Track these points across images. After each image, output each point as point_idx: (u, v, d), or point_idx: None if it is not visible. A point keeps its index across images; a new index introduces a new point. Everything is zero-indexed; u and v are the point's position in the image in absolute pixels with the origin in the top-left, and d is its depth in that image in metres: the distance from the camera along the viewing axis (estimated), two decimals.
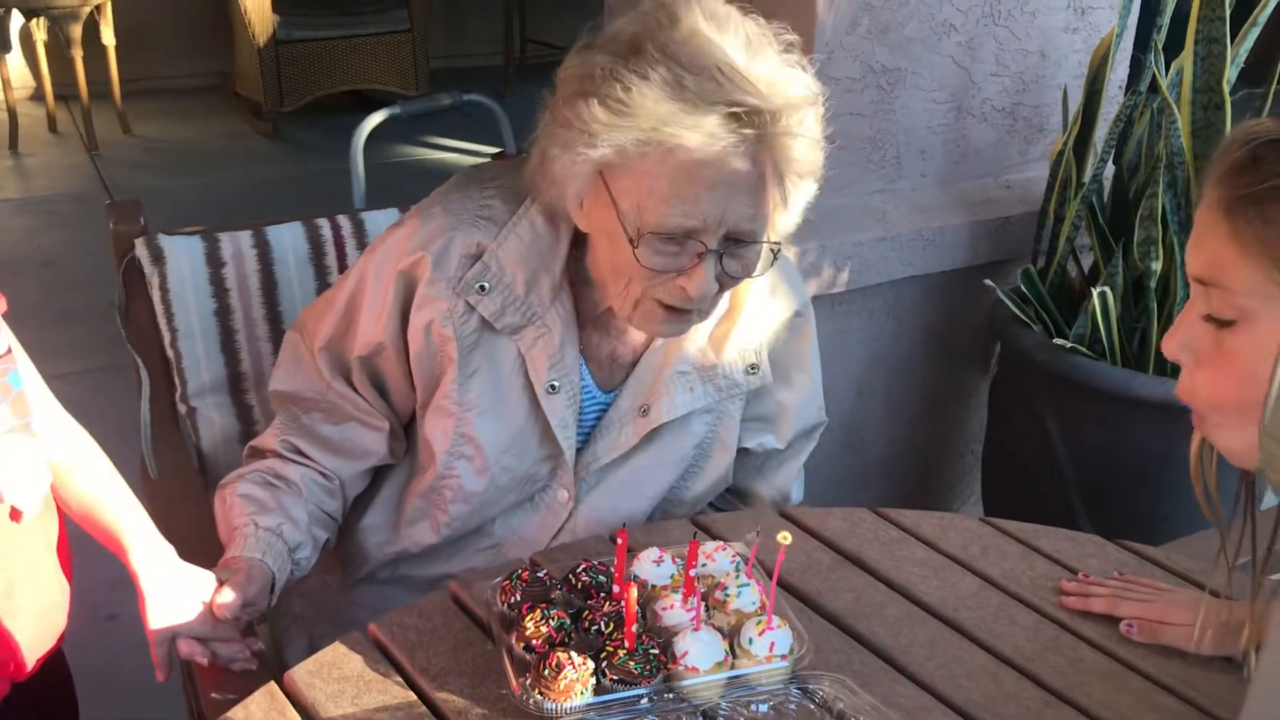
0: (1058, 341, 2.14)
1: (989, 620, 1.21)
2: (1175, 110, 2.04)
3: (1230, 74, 2.08)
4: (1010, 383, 2.38)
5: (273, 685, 1.08)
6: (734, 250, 1.20)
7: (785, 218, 1.25)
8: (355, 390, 1.38)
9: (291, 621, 1.46)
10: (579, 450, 1.36)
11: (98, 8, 5.29)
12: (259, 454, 1.43)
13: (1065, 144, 2.25)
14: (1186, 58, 2.02)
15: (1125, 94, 2.30)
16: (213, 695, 1.18)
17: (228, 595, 1.21)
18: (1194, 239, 0.92)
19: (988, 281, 2.30)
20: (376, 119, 2.48)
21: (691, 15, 1.16)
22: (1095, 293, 2.09)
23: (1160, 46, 2.16)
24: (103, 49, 5.35)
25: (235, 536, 1.31)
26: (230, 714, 1.05)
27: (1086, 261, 2.38)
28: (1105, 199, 2.30)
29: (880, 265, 2.33)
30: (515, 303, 1.29)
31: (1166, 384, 2.05)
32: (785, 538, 1.07)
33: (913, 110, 2.37)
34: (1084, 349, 2.14)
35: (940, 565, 1.29)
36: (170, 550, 1.25)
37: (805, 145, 1.17)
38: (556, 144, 1.20)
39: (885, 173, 2.39)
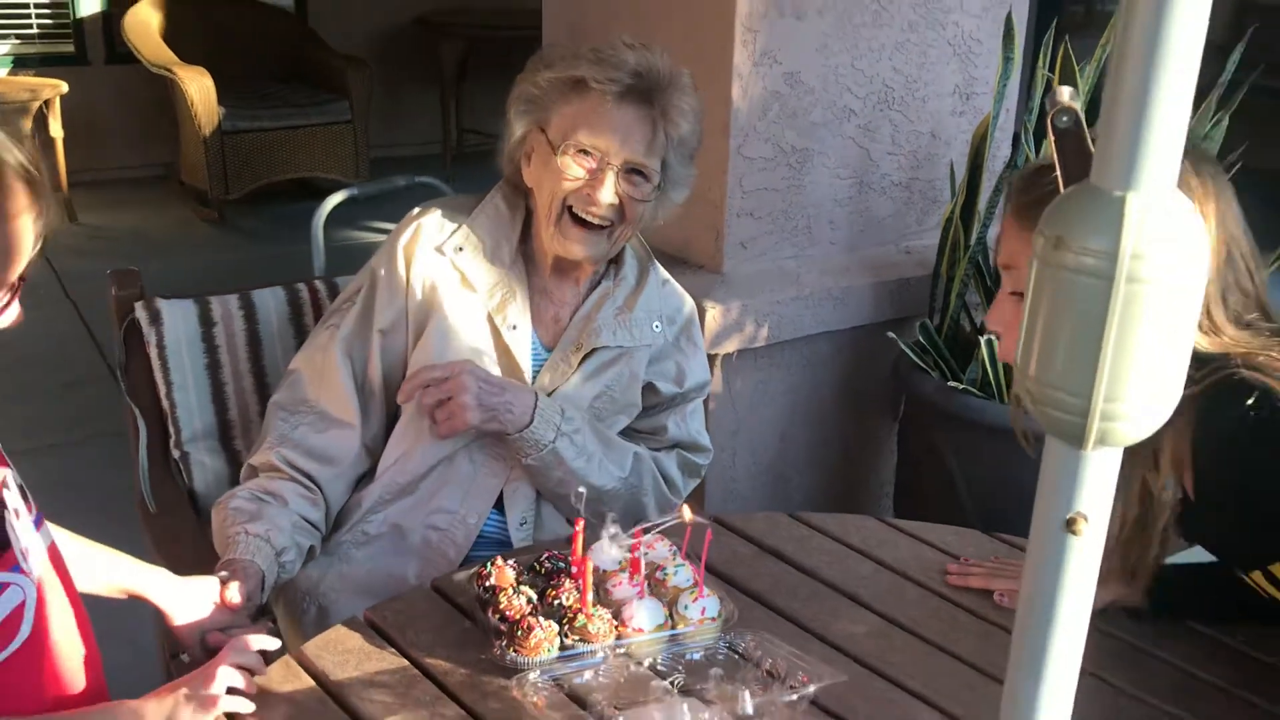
0: (952, 384, 2.43)
1: (883, 595, 1.45)
2: None
3: None
4: (915, 425, 2.65)
5: (288, 657, 1.29)
6: (630, 176, 1.63)
7: (674, 177, 1.69)
8: (357, 385, 1.69)
9: (301, 596, 1.66)
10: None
11: (47, 102, 5.49)
12: (254, 471, 1.68)
13: (953, 212, 2.56)
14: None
15: (1005, 168, 2.62)
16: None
17: (234, 588, 1.43)
18: (998, 239, 1.26)
19: (890, 334, 2.59)
20: (337, 199, 2.71)
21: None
22: (983, 340, 2.38)
23: (1031, 129, 2.49)
24: (51, 141, 5.54)
25: (229, 544, 1.54)
26: (255, 679, 1.25)
27: (977, 315, 2.68)
28: (991, 260, 2.61)
29: (796, 322, 2.61)
30: (484, 263, 1.70)
31: None
32: (688, 514, 1.35)
33: (820, 185, 2.67)
34: (975, 390, 2.42)
35: (843, 554, 1.54)
36: (164, 570, 1.44)
37: (686, 108, 1.66)
38: (517, 102, 1.68)
39: (798, 240, 2.68)
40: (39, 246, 1.12)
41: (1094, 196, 0.70)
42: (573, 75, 1.62)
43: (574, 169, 1.62)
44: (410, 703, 1.22)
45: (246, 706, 1.21)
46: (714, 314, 2.47)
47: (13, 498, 1.19)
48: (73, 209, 5.74)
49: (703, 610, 1.30)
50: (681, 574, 1.36)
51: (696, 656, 1.27)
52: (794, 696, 1.20)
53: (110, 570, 1.41)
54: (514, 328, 1.70)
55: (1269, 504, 1.19)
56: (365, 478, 1.74)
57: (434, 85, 6.83)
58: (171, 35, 5.93)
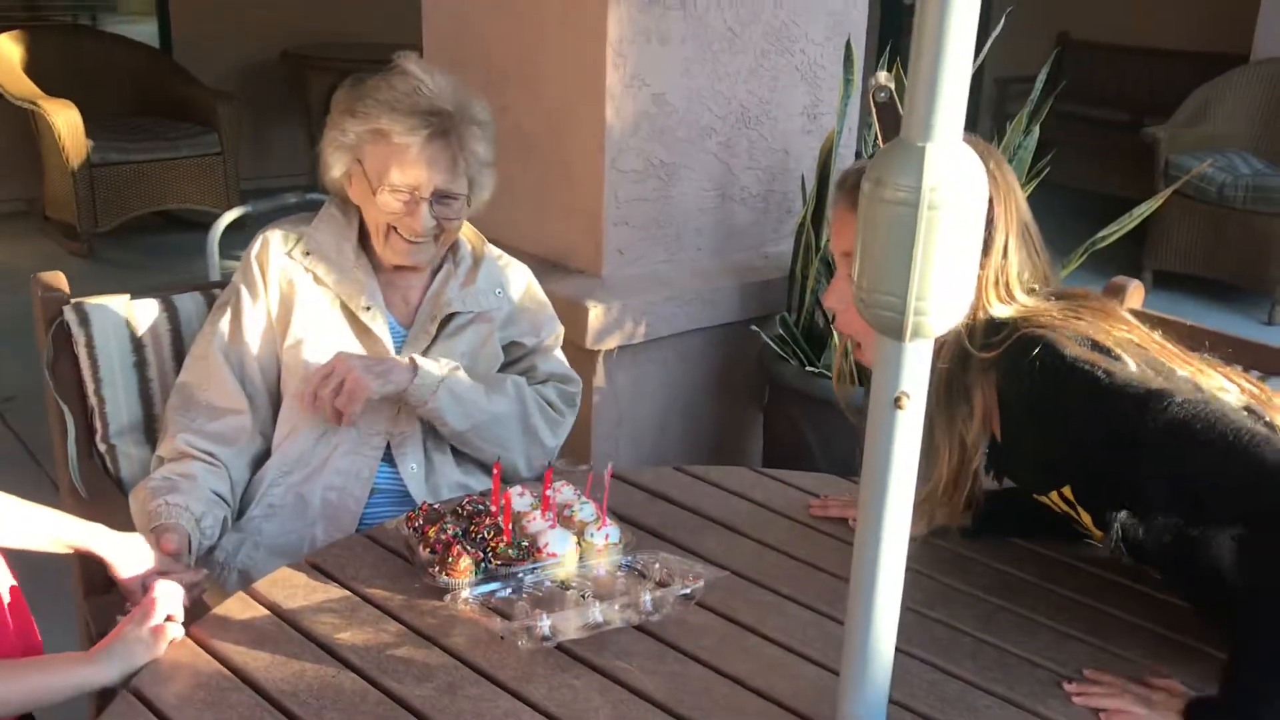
0: (809, 369, 2.70)
1: (758, 525, 1.70)
2: None
3: None
4: (778, 408, 2.93)
5: (241, 593, 1.46)
6: (443, 200, 1.87)
7: (479, 186, 1.93)
8: (239, 379, 1.89)
9: (221, 568, 1.82)
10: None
11: None
12: (161, 461, 1.87)
13: (805, 219, 2.85)
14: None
15: None
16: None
17: (169, 536, 1.61)
18: (835, 230, 1.51)
19: (754, 328, 2.86)
20: (233, 215, 2.86)
21: (404, 67, 1.88)
22: (836, 331, 2.66)
23: (870, 141, 2.80)
24: None
25: (152, 516, 1.71)
26: (214, 611, 1.42)
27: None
28: (826, 251, 2.90)
29: (670, 320, 2.86)
30: (330, 262, 1.93)
31: None
32: (608, 468, 1.55)
33: (687, 197, 2.93)
34: (828, 374, 2.70)
35: (723, 497, 1.78)
36: (103, 526, 1.57)
37: (478, 134, 1.89)
38: (331, 146, 1.90)
39: (669, 246, 2.94)
40: None
41: (904, 147, 0.96)
42: (375, 128, 1.84)
43: (392, 204, 1.86)
44: (356, 623, 1.41)
45: (179, 632, 1.37)
46: (596, 313, 2.70)
47: None
48: None
49: (606, 537, 1.52)
50: (586, 510, 1.57)
51: (603, 573, 1.49)
52: (686, 590, 1.42)
53: (54, 526, 1.55)
54: (367, 309, 1.93)
55: (1052, 436, 1.46)
56: (263, 458, 1.93)
57: (301, 117, 6.94)
58: (34, 69, 5.91)
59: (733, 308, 2.96)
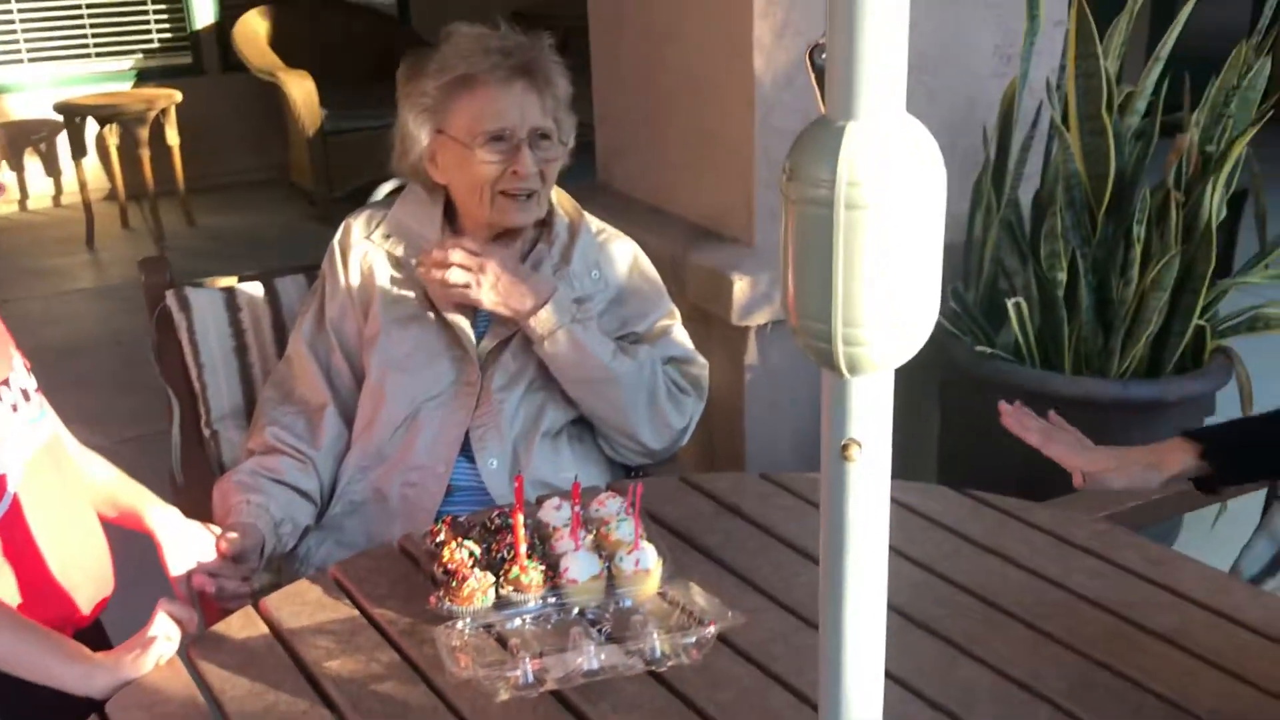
0: (979, 349, 2.39)
1: None
2: (1067, 137, 2.31)
3: (1138, 104, 2.35)
4: (953, 391, 2.62)
5: (248, 607, 1.38)
6: (539, 142, 1.76)
7: (565, 127, 1.81)
8: (325, 372, 1.84)
9: (300, 564, 1.77)
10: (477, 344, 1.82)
11: (163, 111, 5.81)
12: (250, 453, 1.82)
13: (984, 175, 2.52)
14: (1070, 91, 2.29)
15: (1030, 129, 2.57)
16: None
17: (231, 538, 1.54)
18: None
19: None
20: (389, 186, 2.83)
21: (458, 28, 1.80)
22: (1010, 304, 2.34)
23: (1056, 85, 2.44)
24: (168, 149, 5.85)
25: (231, 511, 1.65)
26: (214, 628, 1.35)
27: (1016, 280, 2.62)
28: (1025, 222, 2.56)
29: None
30: (411, 244, 1.84)
31: (1078, 382, 2.29)
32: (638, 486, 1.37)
33: None
34: (1006, 355, 2.38)
35: (803, 510, 1.56)
36: (177, 511, 1.56)
37: (557, 66, 1.79)
38: (407, 121, 1.81)
39: None
40: None
41: (821, 128, 0.72)
42: (457, 75, 1.74)
43: (491, 156, 1.74)
44: (351, 649, 1.30)
45: (170, 650, 1.30)
46: (741, 286, 2.50)
47: (11, 395, 1.38)
48: (190, 213, 6.06)
49: (637, 562, 1.34)
50: (624, 529, 1.39)
51: (627, 604, 1.32)
52: (691, 639, 1.23)
53: (131, 499, 1.56)
54: None
55: None
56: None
57: None
58: (279, 42, 6.19)
59: None
